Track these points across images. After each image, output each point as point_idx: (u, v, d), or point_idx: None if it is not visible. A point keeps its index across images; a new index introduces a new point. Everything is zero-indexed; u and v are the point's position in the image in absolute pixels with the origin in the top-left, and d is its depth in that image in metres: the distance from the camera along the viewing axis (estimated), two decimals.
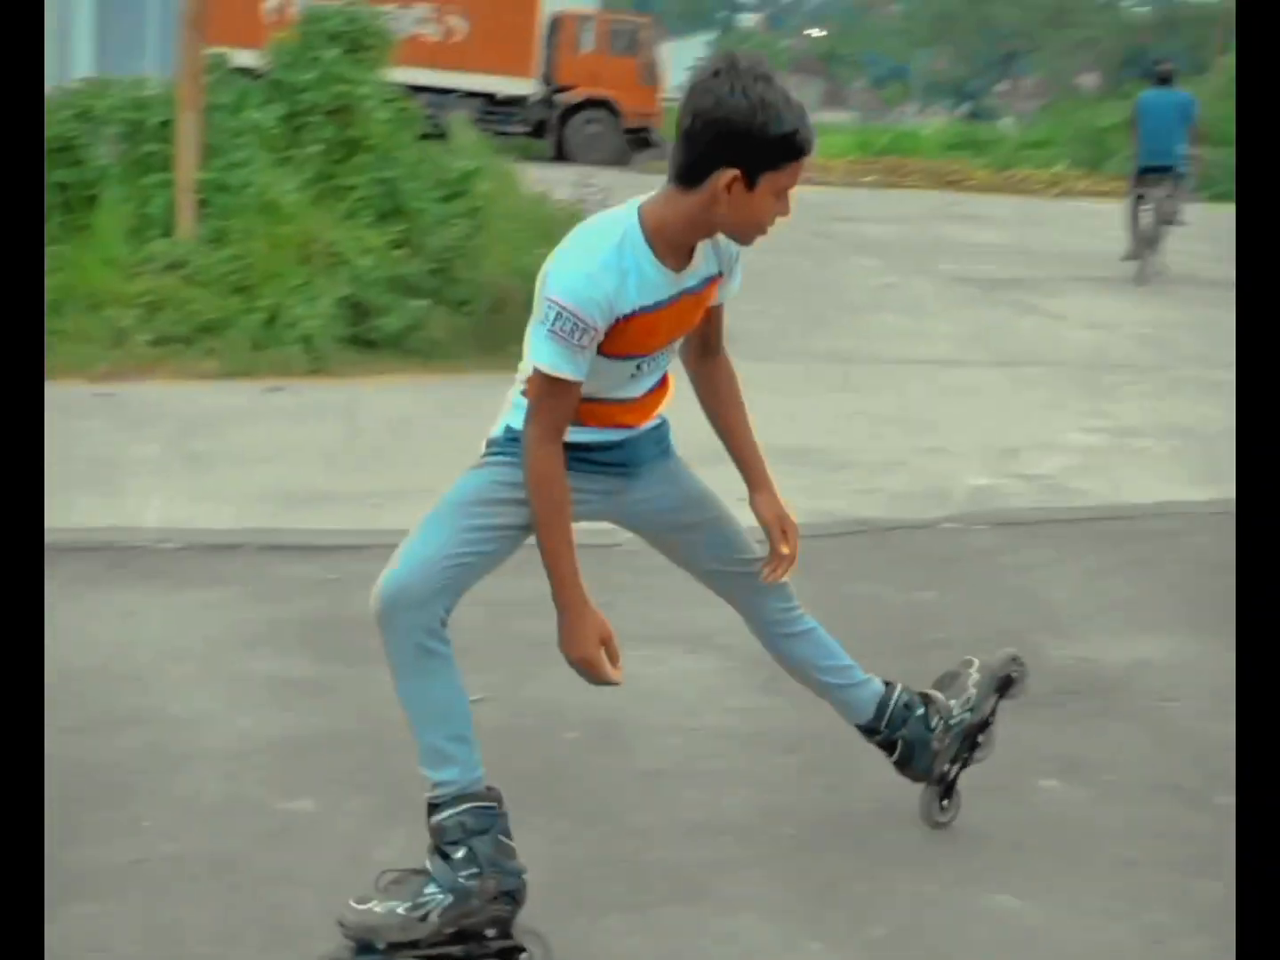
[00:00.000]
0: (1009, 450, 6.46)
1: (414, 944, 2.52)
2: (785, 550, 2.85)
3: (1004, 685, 3.16)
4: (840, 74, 79.66)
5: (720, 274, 2.66)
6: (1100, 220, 20.95)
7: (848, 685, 3.01)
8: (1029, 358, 8.84)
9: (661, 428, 2.82)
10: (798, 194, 2.49)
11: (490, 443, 2.69)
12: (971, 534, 5.26)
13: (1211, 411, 7.34)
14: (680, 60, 66.71)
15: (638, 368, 2.65)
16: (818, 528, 5.22)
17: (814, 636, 2.99)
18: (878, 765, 3.40)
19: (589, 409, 2.62)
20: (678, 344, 2.74)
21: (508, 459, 2.62)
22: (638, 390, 2.70)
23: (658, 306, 2.55)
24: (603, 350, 2.52)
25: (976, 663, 3.17)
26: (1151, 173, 12.30)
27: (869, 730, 3.05)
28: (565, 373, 2.47)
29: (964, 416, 7.14)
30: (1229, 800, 3.29)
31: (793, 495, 5.49)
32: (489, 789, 2.59)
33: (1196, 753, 3.57)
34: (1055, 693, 3.87)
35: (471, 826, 2.53)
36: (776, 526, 2.87)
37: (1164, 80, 12.89)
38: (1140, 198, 12.35)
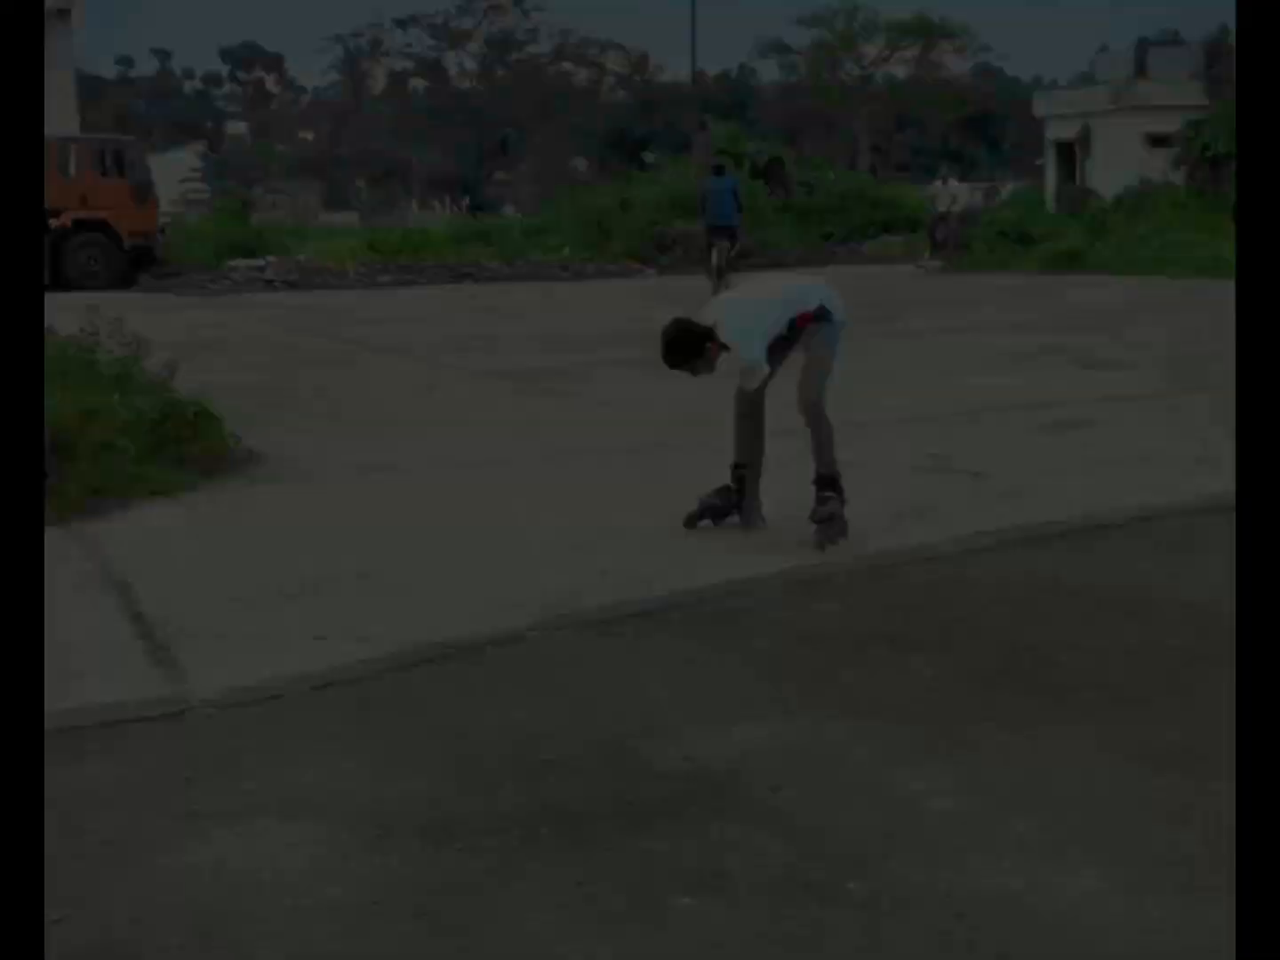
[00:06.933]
0: (581, 544, 6.38)
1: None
2: None
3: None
4: (338, 175, 79.84)
5: None
6: (612, 300, 21.67)
7: None
8: (584, 447, 8.86)
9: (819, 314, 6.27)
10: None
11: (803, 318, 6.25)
12: (556, 639, 5.14)
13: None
14: (174, 171, 64.98)
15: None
16: (402, 657, 4.98)
17: None
18: (512, 916, 3.24)
19: None
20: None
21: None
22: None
23: None
24: None
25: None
26: (716, 231, 20.30)
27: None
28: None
29: (530, 514, 7.03)
30: (860, 885, 3.30)
31: (364, 625, 5.24)
32: None
33: (814, 841, 3.56)
34: (668, 800, 3.80)
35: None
36: None
37: (718, 171, 21.74)
38: (711, 245, 20.30)
